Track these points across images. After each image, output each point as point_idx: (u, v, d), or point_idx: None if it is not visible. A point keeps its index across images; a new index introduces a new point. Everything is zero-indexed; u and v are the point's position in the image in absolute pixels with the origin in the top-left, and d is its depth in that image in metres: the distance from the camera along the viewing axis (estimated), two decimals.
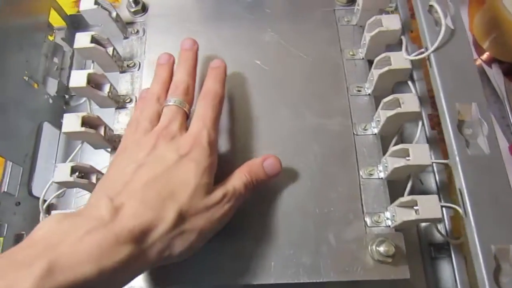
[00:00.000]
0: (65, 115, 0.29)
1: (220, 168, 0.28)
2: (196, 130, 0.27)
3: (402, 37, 0.32)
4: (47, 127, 0.38)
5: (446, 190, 0.34)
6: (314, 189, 0.30)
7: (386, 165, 0.29)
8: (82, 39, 0.32)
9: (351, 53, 0.35)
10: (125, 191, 0.24)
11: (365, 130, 0.32)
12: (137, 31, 0.37)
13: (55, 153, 0.39)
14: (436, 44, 0.27)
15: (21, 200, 0.33)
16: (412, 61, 0.30)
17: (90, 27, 0.43)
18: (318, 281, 0.28)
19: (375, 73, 0.31)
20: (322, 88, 0.34)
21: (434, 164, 0.34)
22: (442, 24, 0.27)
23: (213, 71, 0.31)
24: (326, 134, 0.32)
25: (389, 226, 0.29)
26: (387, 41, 0.32)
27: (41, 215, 0.31)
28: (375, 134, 0.32)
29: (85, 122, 0.29)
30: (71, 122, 0.29)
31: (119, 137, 0.33)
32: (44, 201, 0.31)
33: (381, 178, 0.30)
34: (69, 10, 0.43)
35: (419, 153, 0.27)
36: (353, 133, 0.32)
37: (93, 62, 0.34)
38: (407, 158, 0.27)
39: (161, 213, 0.23)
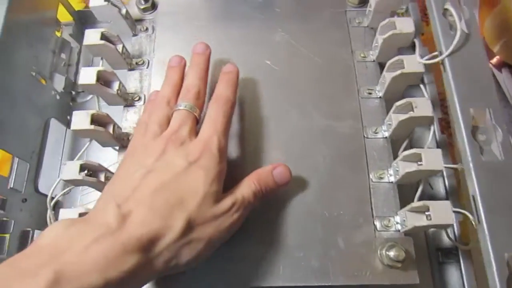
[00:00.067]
0: (74, 112, 0.29)
1: (228, 170, 0.27)
2: (206, 136, 0.26)
3: (415, 40, 0.31)
4: (53, 123, 0.38)
5: (455, 194, 0.33)
6: (324, 192, 0.30)
7: (397, 169, 0.29)
8: (92, 36, 0.32)
9: (362, 55, 0.35)
10: (133, 198, 0.23)
11: (376, 133, 0.32)
12: (146, 29, 0.37)
13: (61, 150, 0.39)
14: (451, 48, 0.27)
15: (28, 196, 0.33)
16: (424, 64, 0.30)
17: (98, 23, 0.43)
18: (326, 284, 0.27)
19: (387, 76, 0.31)
20: (333, 90, 0.34)
21: (443, 169, 0.34)
22: (457, 28, 0.27)
23: (225, 76, 0.30)
24: (336, 137, 0.32)
25: (399, 231, 0.28)
26: (400, 44, 0.32)
27: (48, 212, 0.30)
28: (386, 137, 0.31)
29: (94, 120, 0.29)
30: (80, 119, 0.29)
31: (127, 135, 0.33)
32: (52, 198, 0.31)
33: (391, 182, 0.30)
34: (77, 6, 0.42)
35: (432, 158, 0.26)
36: (364, 136, 0.32)
37: (102, 59, 0.34)
38: (419, 163, 0.27)
39: (169, 221, 0.22)
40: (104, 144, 0.32)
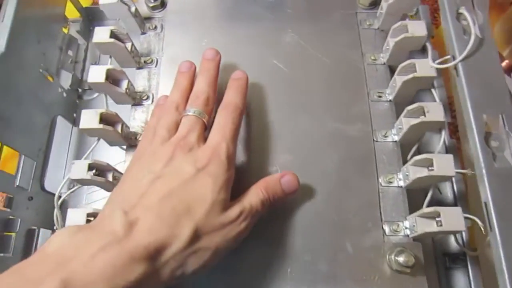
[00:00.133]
0: (83, 111, 0.29)
1: (236, 174, 0.27)
2: (215, 142, 0.26)
3: (427, 44, 0.31)
4: (59, 121, 0.38)
5: (464, 199, 0.33)
6: (332, 195, 0.30)
7: (407, 174, 0.29)
8: (101, 34, 0.31)
9: (372, 57, 0.34)
10: (140, 205, 0.23)
11: (386, 137, 0.31)
12: (155, 27, 0.37)
13: (67, 148, 0.39)
14: (464, 53, 0.27)
15: (34, 195, 0.33)
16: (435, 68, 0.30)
17: (105, 20, 0.43)
18: None
19: (399, 79, 0.30)
20: (342, 92, 0.34)
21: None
22: (472, 33, 0.26)
23: (234, 83, 0.30)
24: (345, 140, 0.32)
25: (408, 236, 0.28)
26: (411, 47, 0.32)
27: (55, 211, 0.30)
28: (396, 141, 0.31)
29: (102, 119, 0.29)
30: (89, 118, 0.28)
31: (135, 134, 0.32)
32: (59, 197, 0.31)
33: (401, 187, 0.30)
34: (85, 2, 0.42)
35: (443, 164, 0.26)
36: (373, 140, 0.32)
37: (110, 57, 0.33)
38: (430, 168, 0.27)
39: (176, 229, 0.22)
40: (112, 143, 0.32)
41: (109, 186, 0.29)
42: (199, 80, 0.30)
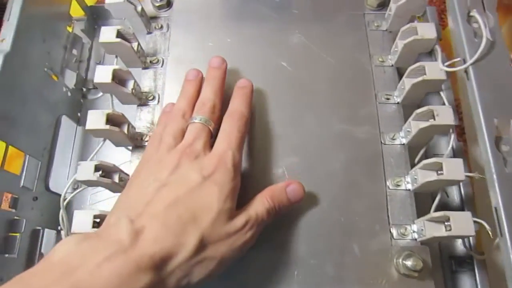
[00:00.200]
0: (89, 111, 0.29)
1: (242, 177, 0.27)
2: (221, 150, 0.26)
3: (436, 46, 0.31)
4: (63, 121, 0.38)
5: (471, 203, 0.33)
6: (340, 198, 0.30)
7: (415, 177, 0.28)
8: (108, 33, 0.31)
9: (380, 59, 0.34)
10: (146, 213, 0.23)
11: (393, 139, 0.31)
12: (161, 26, 0.36)
13: (71, 148, 0.38)
14: (475, 57, 0.26)
15: (39, 195, 0.33)
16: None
17: (110, 19, 0.43)
18: None
19: (407, 82, 0.30)
20: (349, 94, 0.33)
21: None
22: (483, 36, 0.26)
23: (239, 91, 0.30)
24: (353, 142, 0.32)
25: (416, 239, 0.28)
26: (421, 50, 0.31)
27: (61, 211, 0.30)
28: (404, 144, 0.31)
29: (109, 120, 0.29)
30: (96, 119, 0.28)
31: (141, 135, 0.32)
32: (65, 198, 0.30)
33: (408, 190, 0.30)
34: (89, 1, 0.42)
35: (453, 168, 0.26)
36: (381, 142, 0.31)
37: (116, 57, 0.33)
38: (439, 172, 0.26)
39: (182, 238, 0.22)
40: (117, 144, 0.31)
41: (115, 188, 0.29)
42: (205, 88, 0.30)
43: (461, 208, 0.34)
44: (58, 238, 0.34)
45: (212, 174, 0.25)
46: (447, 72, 0.29)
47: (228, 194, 0.24)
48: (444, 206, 0.34)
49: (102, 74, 0.29)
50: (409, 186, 0.30)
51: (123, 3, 0.33)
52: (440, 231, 0.26)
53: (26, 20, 0.31)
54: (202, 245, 0.22)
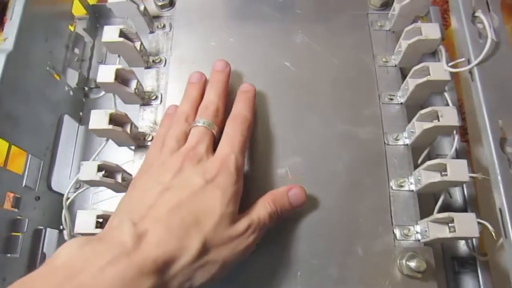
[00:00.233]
0: (92, 111, 0.29)
1: (245, 177, 0.27)
2: (224, 153, 0.26)
3: (440, 47, 0.31)
4: (65, 120, 0.38)
5: (474, 204, 0.33)
6: (342, 199, 0.30)
7: (419, 178, 0.28)
8: (111, 33, 0.31)
9: (383, 59, 0.34)
10: (149, 216, 0.23)
11: (397, 140, 0.31)
12: (164, 26, 0.36)
13: (73, 147, 0.38)
14: (480, 57, 0.26)
15: (41, 194, 0.33)
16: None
17: (112, 18, 0.42)
18: None
19: (411, 82, 0.30)
20: (353, 94, 0.33)
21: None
22: (488, 37, 0.26)
23: (242, 95, 0.30)
24: (356, 143, 0.31)
25: (419, 240, 0.28)
26: (425, 50, 0.31)
27: (64, 211, 0.30)
28: (407, 144, 0.31)
29: (112, 119, 0.28)
30: (99, 119, 0.28)
31: (143, 135, 0.32)
32: (67, 198, 0.30)
33: (412, 191, 0.30)
34: (91, 0, 0.42)
35: (457, 169, 0.26)
36: (384, 143, 0.31)
37: (119, 56, 0.33)
38: (443, 173, 0.26)
39: (184, 242, 0.22)
40: (120, 144, 0.31)
41: (118, 188, 0.29)
42: (208, 91, 0.30)
43: (464, 209, 0.33)
44: (60, 237, 0.34)
45: (215, 177, 0.25)
46: (451, 72, 0.29)
47: (231, 198, 0.24)
48: (447, 206, 0.34)
49: (105, 73, 0.29)
50: (413, 187, 0.29)
51: (126, 2, 0.32)
52: (444, 232, 0.26)
53: (28, 19, 0.31)
54: (204, 249, 0.22)
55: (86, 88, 0.40)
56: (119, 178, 0.29)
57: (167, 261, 0.21)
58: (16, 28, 0.30)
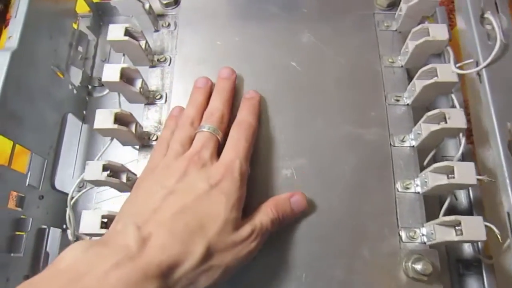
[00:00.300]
0: (97, 110, 0.28)
1: (250, 179, 0.27)
2: (228, 159, 0.26)
3: (448, 48, 0.30)
4: (69, 119, 0.37)
5: (479, 206, 0.33)
6: (348, 201, 0.30)
7: (425, 180, 0.28)
8: (116, 31, 0.31)
9: (390, 60, 0.34)
10: (153, 220, 0.23)
11: (403, 142, 0.31)
12: (169, 24, 0.36)
13: (76, 145, 0.38)
14: (489, 59, 0.26)
15: (44, 193, 0.32)
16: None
17: (116, 15, 0.42)
18: None
19: (418, 84, 0.30)
20: (359, 95, 0.33)
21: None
22: (497, 38, 0.26)
23: (247, 102, 0.30)
24: (362, 144, 0.31)
25: (425, 243, 0.28)
26: (432, 51, 0.31)
27: (68, 210, 0.30)
28: (413, 146, 0.31)
29: (117, 119, 0.28)
30: (104, 118, 0.28)
31: (148, 134, 0.32)
32: (72, 197, 0.30)
33: (418, 193, 0.29)
34: None
35: (464, 172, 0.26)
36: (390, 144, 0.31)
37: (124, 55, 0.33)
38: (450, 175, 0.26)
39: (188, 247, 0.22)
40: (125, 143, 0.31)
41: (122, 187, 0.29)
42: (214, 97, 0.30)
43: (469, 211, 0.33)
44: (63, 236, 0.34)
45: (219, 182, 0.25)
46: (458, 74, 0.29)
47: (235, 204, 0.24)
48: (452, 209, 0.33)
49: (110, 72, 0.29)
50: (419, 189, 0.29)
51: (130, 0, 0.32)
52: (450, 235, 0.26)
53: (33, 17, 0.30)
54: (208, 254, 0.22)
55: (90, 87, 0.40)
56: (124, 178, 0.29)
57: (171, 266, 0.21)
58: (21, 26, 0.29)
